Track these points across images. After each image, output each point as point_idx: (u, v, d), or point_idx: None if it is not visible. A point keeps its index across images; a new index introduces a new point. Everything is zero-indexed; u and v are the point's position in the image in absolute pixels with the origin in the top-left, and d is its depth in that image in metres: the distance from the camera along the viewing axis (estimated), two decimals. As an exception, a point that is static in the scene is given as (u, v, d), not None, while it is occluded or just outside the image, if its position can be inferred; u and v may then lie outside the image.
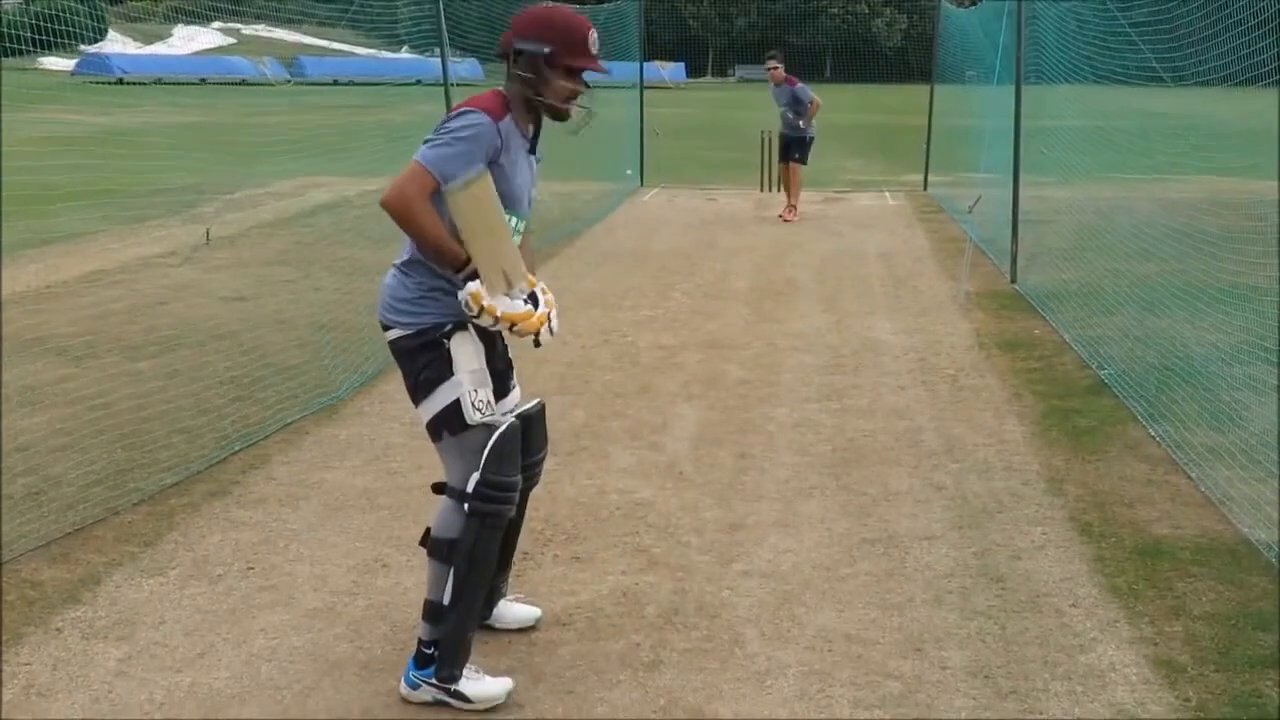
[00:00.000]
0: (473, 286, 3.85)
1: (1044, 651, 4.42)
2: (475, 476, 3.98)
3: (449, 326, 3.99)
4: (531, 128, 4.13)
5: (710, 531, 5.57)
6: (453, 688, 4.03)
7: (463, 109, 3.93)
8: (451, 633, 4.02)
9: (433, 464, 6.37)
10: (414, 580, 5.04)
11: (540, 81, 3.95)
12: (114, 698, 4.13)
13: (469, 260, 3.86)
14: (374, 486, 6.16)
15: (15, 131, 10.39)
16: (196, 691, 4.17)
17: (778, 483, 6.22)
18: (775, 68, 16.36)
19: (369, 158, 12.88)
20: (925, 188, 20.01)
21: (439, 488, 4.19)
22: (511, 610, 4.57)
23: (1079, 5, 11.14)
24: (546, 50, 3.92)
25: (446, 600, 4.00)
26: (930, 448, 6.75)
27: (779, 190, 18.24)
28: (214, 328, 9.25)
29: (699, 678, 4.26)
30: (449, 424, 4.02)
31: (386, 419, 7.31)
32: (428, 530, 4.18)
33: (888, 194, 19.77)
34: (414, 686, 4.09)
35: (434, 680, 4.04)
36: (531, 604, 4.69)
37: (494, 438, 4.00)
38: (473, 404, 3.99)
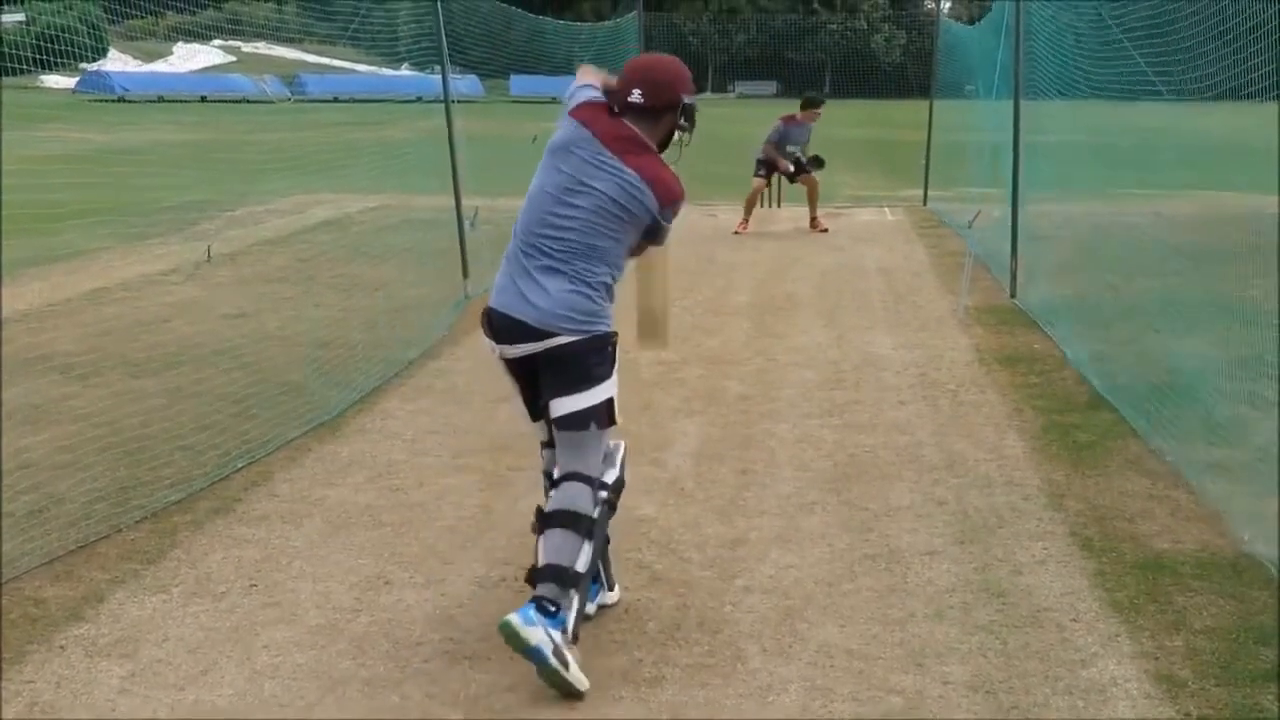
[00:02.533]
0: None
1: (1045, 666, 4.43)
2: (614, 473, 4.57)
3: (616, 336, 4.51)
4: None
5: (712, 547, 5.58)
6: (573, 647, 4.20)
7: (677, 200, 4.60)
8: (582, 595, 4.31)
9: (434, 481, 6.43)
10: (416, 597, 5.05)
11: (689, 126, 4.63)
12: (117, 716, 4.14)
13: None
14: (376, 504, 6.17)
15: (17, 150, 10.42)
16: (200, 709, 4.18)
17: (779, 498, 6.23)
18: (819, 113, 16.78)
19: (370, 174, 12.94)
20: (925, 203, 20.02)
21: (554, 490, 4.54)
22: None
23: (1076, 20, 11.17)
24: (691, 99, 4.61)
25: (581, 567, 4.31)
26: (931, 463, 6.76)
27: (779, 205, 18.28)
28: (216, 345, 9.26)
29: (701, 693, 4.27)
30: (600, 417, 4.46)
31: (389, 436, 7.32)
32: (539, 508, 4.52)
33: (887, 209, 19.78)
34: (530, 623, 4.12)
35: (563, 632, 4.16)
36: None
37: (623, 449, 4.73)
38: (617, 405, 4.54)
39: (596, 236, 4.40)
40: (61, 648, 4.62)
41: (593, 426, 4.44)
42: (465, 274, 10.85)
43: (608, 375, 4.45)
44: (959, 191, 17.29)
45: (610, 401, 4.46)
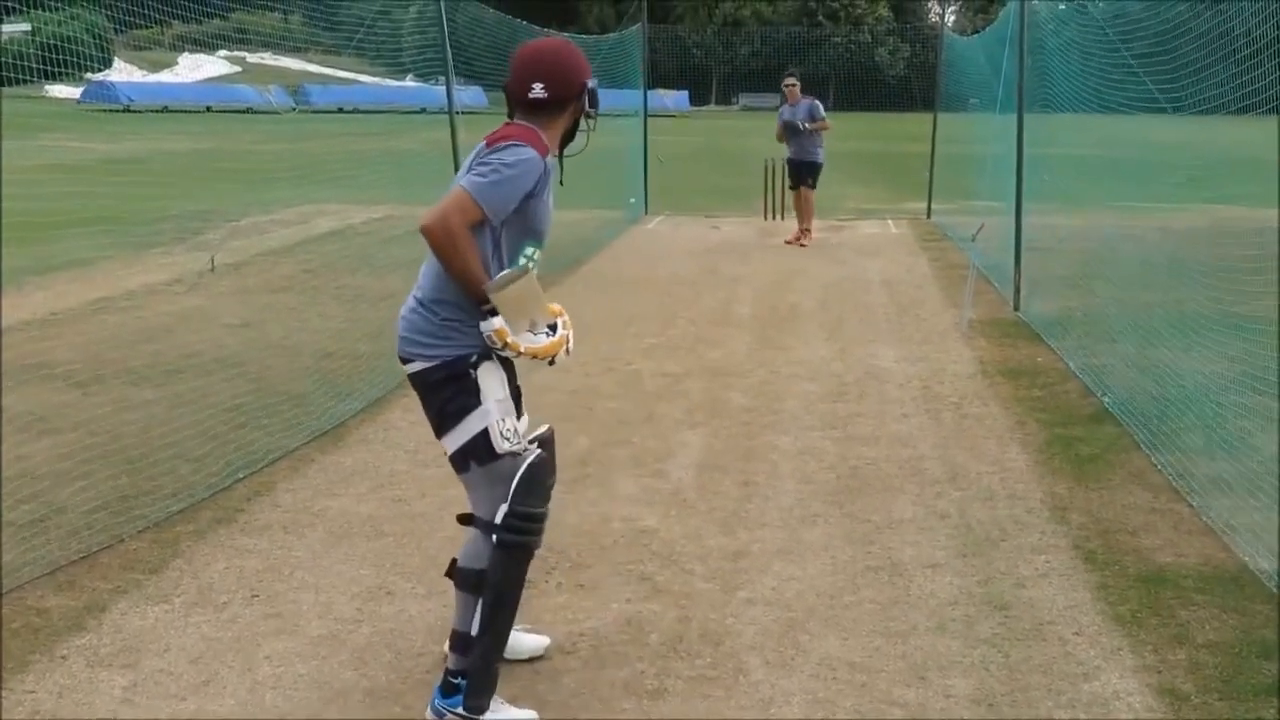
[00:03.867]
0: (497, 323, 3.92)
1: (1048, 680, 4.42)
2: (504, 508, 4.00)
3: (474, 357, 4.01)
4: (557, 160, 4.25)
5: (714, 559, 5.57)
6: (479, 719, 4.02)
7: (510, 142, 3.98)
8: (479, 663, 4.01)
9: (436, 492, 6.42)
10: (419, 608, 5.05)
11: (595, 111, 4.22)
12: (119, 725, 4.14)
13: None
14: (379, 514, 6.17)
15: (22, 159, 10.45)
16: (202, 719, 4.18)
17: (781, 510, 6.22)
18: (794, 84, 16.62)
19: (374, 185, 12.95)
20: (928, 215, 20.05)
21: (465, 519, 4.21)
22: (520, 640, 4.55)
23: (1083, 34, 11.18)
24: (594, 83, 4.20)
25: (475, 631, 4.01)
26: (934, 475, 6.75)
27: (783, 218, 18.28)
28: (219, 355, 9.28)
29: (703, 705, 4.26)
30: (476, 454, 4.03)
31: (391, 446, 7.32)
32: (454, 561, 4.20)
33: (890, 222, 19.81)
34: (439, 716, 4.08)
35: (461, 711, 4.03)
36: (539, 633, 4.69)
37: (523, 469, 4.03)
38: (501, 433, 4.02)
39: None
40: (63, 658, 4.62)
41: (472, 466, 4.05)
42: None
43: (471, 405, 3.99)
44: (963, 204, 17.31)
45: (483, 435, 3.99)
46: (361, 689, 4.39)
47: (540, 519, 4.12)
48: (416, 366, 4.05)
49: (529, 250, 4.10)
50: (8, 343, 9.02)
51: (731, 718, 4.19)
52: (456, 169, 10.67)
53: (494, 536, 4.01)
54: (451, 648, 4.12)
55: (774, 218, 18.94)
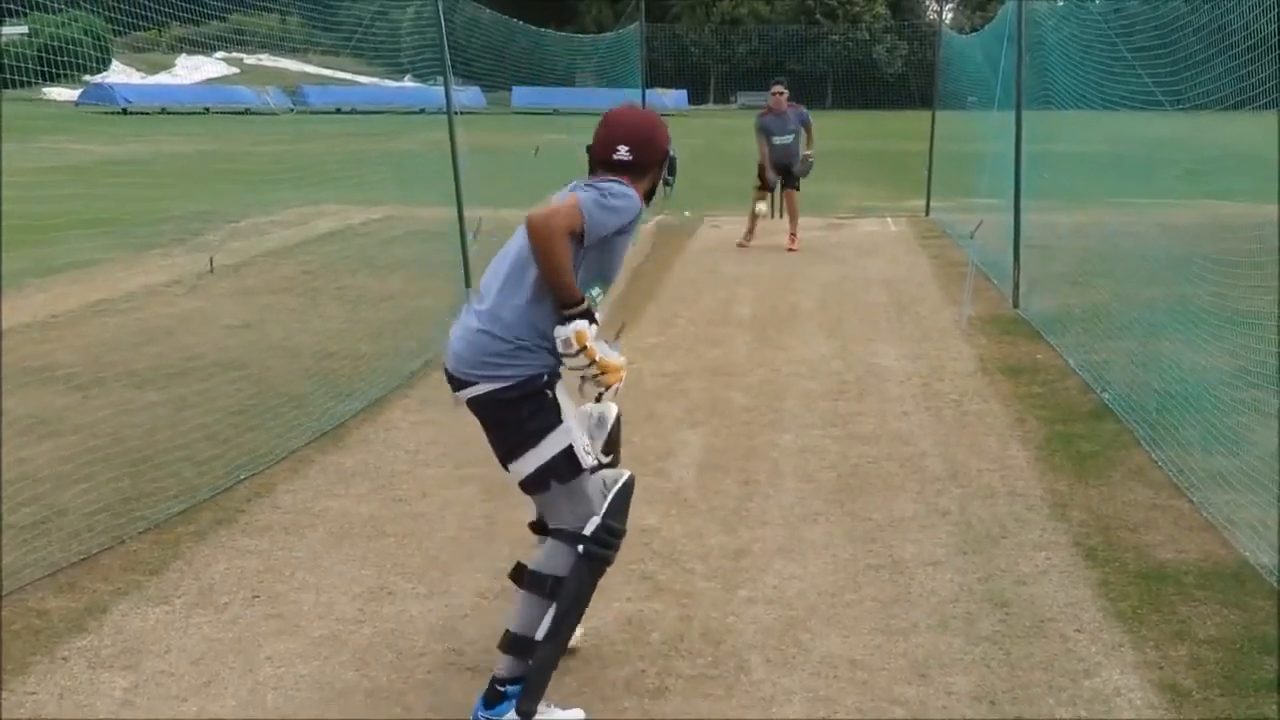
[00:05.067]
0: (579, 326, 3.97)
1: (1049, 676, 4.43)
2: (595, 521, 4.07)
3: (546, 376, 4.05)
4: None
5: (715, 558, 5.57)
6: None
7: (617, 179, 4.14)
8: (539, 667, 4.01)
9: (437, 492, 6.43)
10: (420, 608, 5.05)
11: (673, 179, 4.47)
12: (121, 727, 4.14)
13: (582, 300, 3.98)
14: (379, 514, 6.17)
15: (21, 161, 10.44)
16: (203, 720, 4.18)
17: (782, 509, 6.23)
18: (783, 92, 16.28)
19: (374, 185, 12.96)
20: (927, 213, 20.03)
21: (540, 528, 4.26)
22: None
23: (1082, 29, 11.18)
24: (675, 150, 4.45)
25: (540, 635, 3.99)
26: (934, 473, 6.75)
27: (783, 216, 18.25)
28: (219, 356, 9.27)
29: (705, 704, 4.27)
30: (558, 473, 4.06)
31: (392, 446, 7.32)
32: (519, 565, 4.18)
33: (890, 219, 19.79)
34: None
35: (511, 715, 3.99)
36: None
37: (618, 486, 4.15)
38: (584, 449, 4.10)
39: (529, 265, 4.01)
40: (64, 659, 4.62)
41: (554, 484, 4.07)
42: (468, 284, 10.86)
43: (552, 424, 4.04)
44: (961, 201, 17.29)
45: (566, 452, 4.04)
46: (363, 689, 4.39)
47: (622, 535, 4.19)
48: (485, 388, 4.04)
49: (594, 291, 4.13)
50: (8, 345, 9.03)
51: (733, 716, 4.19)
52: (455, 169, 10.75)
53: (580, 547, 4.05)
54: (505, 651, 4.07)
55: (775, 216, 18.91)
